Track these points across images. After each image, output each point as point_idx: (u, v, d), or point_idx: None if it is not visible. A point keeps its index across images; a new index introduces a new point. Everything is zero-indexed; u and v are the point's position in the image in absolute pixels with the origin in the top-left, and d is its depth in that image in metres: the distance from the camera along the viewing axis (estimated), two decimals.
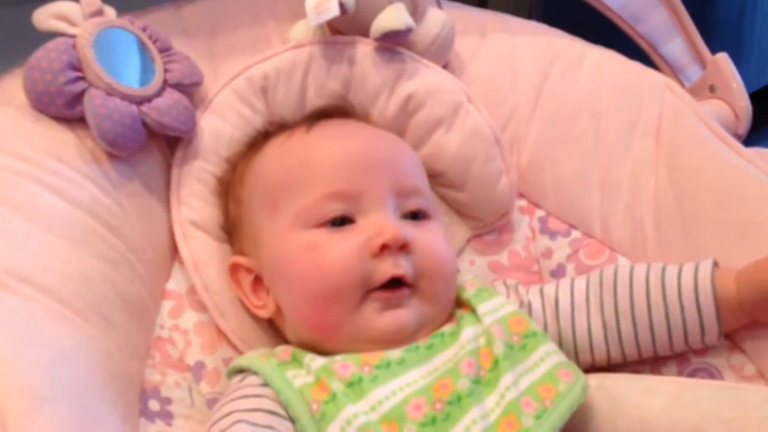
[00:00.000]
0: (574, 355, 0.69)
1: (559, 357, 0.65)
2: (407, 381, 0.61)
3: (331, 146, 0.69)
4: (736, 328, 0.68)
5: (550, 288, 0.72)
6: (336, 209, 0.66)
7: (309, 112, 0.77)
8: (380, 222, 0.65)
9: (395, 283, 0.65)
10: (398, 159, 0.71)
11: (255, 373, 0.63)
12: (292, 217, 0.67)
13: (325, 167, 0.67)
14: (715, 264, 0.68)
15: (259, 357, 0.65)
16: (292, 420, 0.59)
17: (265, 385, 0.61)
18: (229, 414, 0.58)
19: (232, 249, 0.74)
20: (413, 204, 0.69)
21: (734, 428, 0.59)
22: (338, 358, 0.62)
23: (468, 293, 0.69)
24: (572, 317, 0.70)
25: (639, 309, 0.68)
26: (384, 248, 0.64)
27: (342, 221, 0.66)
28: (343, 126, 0.74)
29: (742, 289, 0.65)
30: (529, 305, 0.71)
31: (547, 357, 0.64)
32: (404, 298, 0.65)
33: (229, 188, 0.74)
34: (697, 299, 0.66)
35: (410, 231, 0.66)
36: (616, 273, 0.70)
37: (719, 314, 0.66)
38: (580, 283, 0.71)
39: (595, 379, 0.66)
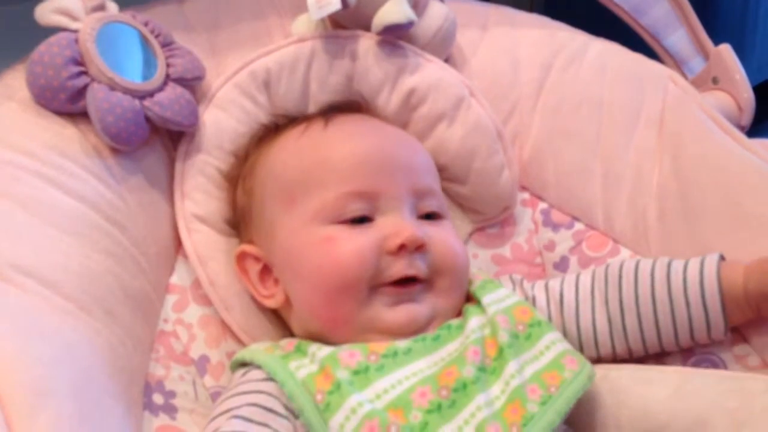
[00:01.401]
0: (578, 350, 0.69)
1: (565, 345, 0.65)
2: (413, 371, 0.62)
3: (351, 144, 0.70)
4: (742, 323, 0.67)
5: (555, 283, 0.72)
6: (356, 209, 0.66)
7: (324, 107, 0.77)
8: (398, 222, 0.66)
9: (408, 280, 0.65)
10: (415, 160, 0.72)
11: (258, 366, 0.63)
12: (310, 213, 0.67)
13: (344, 166, 0.68)
14: (722, 258, 0.67)
15: (264, 350, 0.65)
16: (295, 415, 0.59)
17: (268, 379, 0.61)
18: (227, 411, 0.59)
19: (240, 240, 0.74)
20: (428, 205, 0.70)
21: (737, 418, 0.59)
22: (345, 346, 0.63)
23: (473, 286, 0.70)
24: (576, 312, 0.69)
25: (644, 304, 0.67)
26: (401, 248, 0.65)
27: (361, 220, 0.67)
28: (360, 123, 0.74)
29: (750, 282, 0.64)
30: (534, 300, 0.71)
31: (552, 345, 0.64)
32: (416, 293, 0.66)
33: (238, 179, 0.74)
34: (702, 294, 0.65)
35: (426, 230, 0.67)
36: (621, 268, 0.69)
37: (725, 309, 0.65)
38: (585, 277, 0.71)
39: (599, 370, 0.66)
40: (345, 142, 0.70)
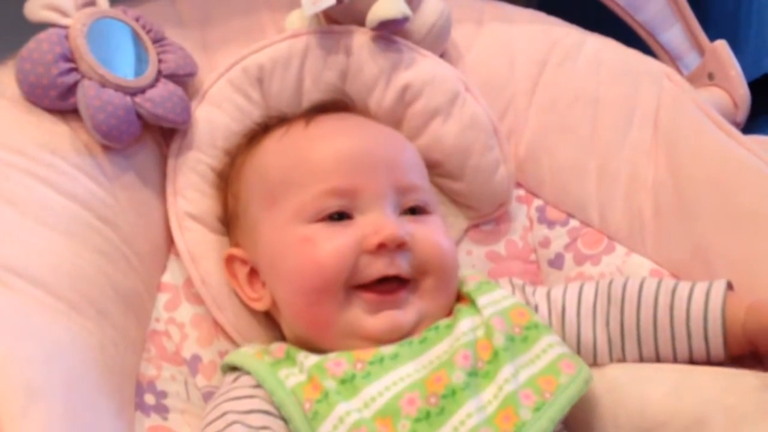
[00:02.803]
0: None
1: (562, 349, 0.64)
2: (400, 375, 0.61)
3: (330, 143, 0.69)
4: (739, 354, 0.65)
5: (557, 293, 0.70)
6: (334, 205, 0.65)
7: (308, 107, 0.77)
8: (379, 220, 0.65)
9: (390, 281, 0.64)
10: (398, 156, 0.71)
11: (248, 373, 0.62)
12: (290, 213, 0.66)
13: (323, 164, 0.67)
14: (729, 286, 0.65)
15: (254, 355, 0.65)
16: (285, 420, 0.59)
17: (258, 386, 0.61)
18: (223, 414, 0.58)
19: (230, 241, 0.73)
20: (412, 200, 0.69)
21: (734, 414, 0.58)
22: (331, 355, 0.62)
23: (469, 287, 0.68)
24: (578, 329, 0.68)
25: (645, 330, 0.66)
26: (381, 247, 0.63)
27: (340, 216, 0.66)
28: (342, 121, 0.73)
29: (749, 321, 0.62)
30: (536, 308, 0.70)
31: (549, 349, 0.63)
32: (401, 300, 0.65)
33: (227, 182, 0.73)
34: (705, 327, 0.63)
35: (409, 227, 0.66)
36: (624, 288, 0.67)
37: (726, 343, 0.63)
38: (589, 291, 0.69)
39: (595, 370, 0.65)
40: (324, 141, 0.69)
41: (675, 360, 0.66)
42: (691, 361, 0.65)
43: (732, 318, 0.63)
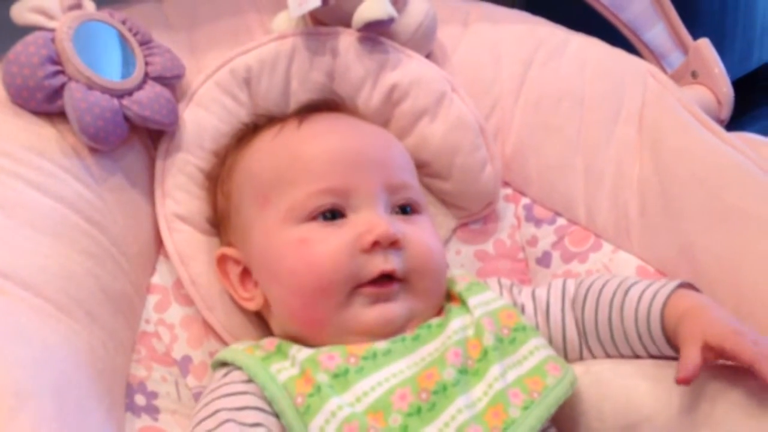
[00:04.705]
0: (563, 355, 0.68)
1: (548, 351, 0.65)
2: (393, 372, 0.61)
3: (322, 143, 0.69)
4: None
5: (541, 292, 0.71)
6: (327, 202, 0.66)
7: (299, 107, 0.77)
8: (371, 219, 0.65)
9: (385, 278, 0.64)
10: (389, 155, 0.71)
11: (239, 368, 0.62)
12: (282, 213, 0.66)
13: (316, 164, 0.67)
14: (687, 285, 0.65)
15: (244, 350, 0.65)
16: (277, 415, 0.59)
17: (250, 381, 0.61)
18: (216, 413, 0.58)
19: (221, 241, 0.73)
20: (403, 198, 0.69)
21: (719, 407, 0.59)
22: (324, 349, 0.62)
23: (459, 287, 0.69)
24: (563, 323, 0.69)
25: (602, 329, 0.67)
26: (375, 245, 0.64)
27: (333, 215, 0.66)
28: (334, 121, 0.73)
29: (678, 326, 0.60)
30: (523, 308, 0.70)
31: (536, 351, 0.64)
32: (393, 293, 0.65)
33: (217, 182, 0.73)
34: (649, 330, 0.63)
35: (401, 227, 0.66)
36: (588, 288, 0.68)
37: (673, 346, 0.63)
38: (569, 288, 0.70)
39: (580, 366, 0.66)
40: (317, 141, 0.69)
41: (637, 356, 0.66)
42: (652, 357, 0.65)
43: (669, 319, 0.62)
